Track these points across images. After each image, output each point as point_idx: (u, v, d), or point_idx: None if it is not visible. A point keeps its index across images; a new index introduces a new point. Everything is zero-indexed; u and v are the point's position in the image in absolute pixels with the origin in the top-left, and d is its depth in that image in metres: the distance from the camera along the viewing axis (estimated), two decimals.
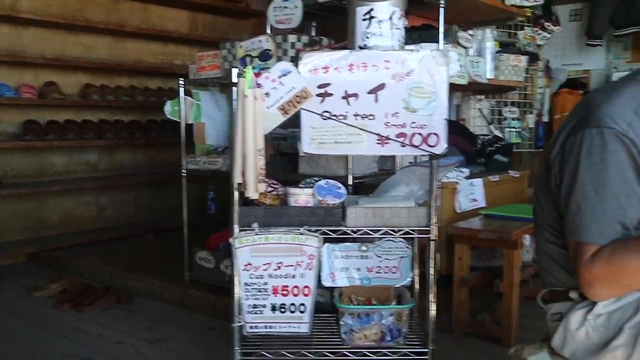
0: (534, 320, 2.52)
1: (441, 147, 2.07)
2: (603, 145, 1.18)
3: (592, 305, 1.29)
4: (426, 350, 2.23)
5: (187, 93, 3.30)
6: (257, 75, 2.01)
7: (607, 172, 1.18)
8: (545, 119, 4.62)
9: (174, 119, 3.32)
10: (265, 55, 2.46)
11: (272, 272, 2.18)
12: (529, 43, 4.30)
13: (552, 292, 1.43)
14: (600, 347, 1.26)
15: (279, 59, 2.48)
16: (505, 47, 3.87)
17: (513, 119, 4.38)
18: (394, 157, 2.99)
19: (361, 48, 2.14)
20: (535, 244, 1.47)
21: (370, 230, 2.16)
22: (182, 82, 3.24)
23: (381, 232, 2.16)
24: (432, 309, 2.22)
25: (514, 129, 4.39)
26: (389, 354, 2.22)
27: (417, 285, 2.52)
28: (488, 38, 3.46)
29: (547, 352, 1.41)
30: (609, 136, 1.18)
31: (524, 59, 3.70)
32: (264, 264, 2.17)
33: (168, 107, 3.33)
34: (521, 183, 3.69)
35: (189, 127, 3.34)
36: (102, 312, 3.22)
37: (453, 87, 3.28)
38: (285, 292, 2.20)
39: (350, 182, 2.60)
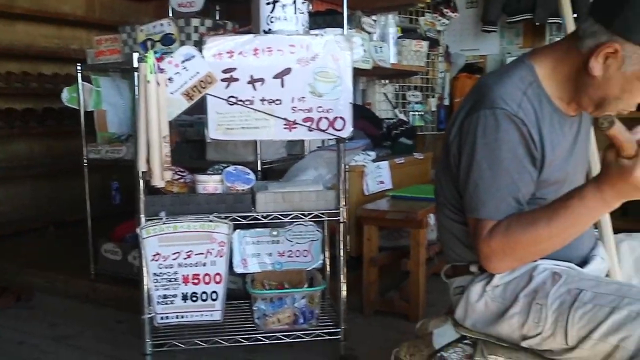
0: (440, 295, 2.64)
1: (347, 130, 2.11)
2: (496, 125, 1.25)
3: (490, 278, 1.36)
4: (338, 330, 2.28)
5: (86, 79, 3.15)
6: (159, 59, 1.95)
7: (500, 151, 1.25)
8: (447, 102, 4.80)
9: (73, 106, 3.16)
10: (167, 40, 2.39)
11: (182, 261, 2.15)
12: (430, 29, 4.45)
13: (454, 267, 1.50)
14: (498, 316, 1.34)
15: (182, 44, 2.41)
16: (407, 32, 3.97)
17: (416, 103, 4.53)
18: (302, 141, 3.01)
19: (266, 32, 2.13)
20: (437, 222, 1.53)
21: (281, 214, 2.17)
22: (79, 68, 3.08)
23: (291, 216, 2.18)
24: (343, 290, 2.27)
25: (418, 113, 4.53)
26: (303, 336, 2.26)
27: (328, 268, 2.57)
28: (391, 24, 3.53)
29: (450, 324, 1.48)
30: (501, 117, 1.25)
31: (425, 44, 3.82)
32: (173, 254, 2.13)
33: (65, 94, 3.17)
34: (425, 164, 3.82)
35: (89, 114, 3.19)
36: (0, 312, 3.04)
37: (358, 72, 3.34)
38: (196, 281, 2.18)
39: (259, 167, 2.60)
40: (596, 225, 1.57)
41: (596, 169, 1.61)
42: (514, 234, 1.22)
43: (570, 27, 1.60)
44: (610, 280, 1.39)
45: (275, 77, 2.05)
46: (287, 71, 2.05)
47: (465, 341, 1.42)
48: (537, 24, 4.48)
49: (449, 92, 4.79)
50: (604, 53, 1.20)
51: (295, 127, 2.09)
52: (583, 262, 1.43)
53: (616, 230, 1.63)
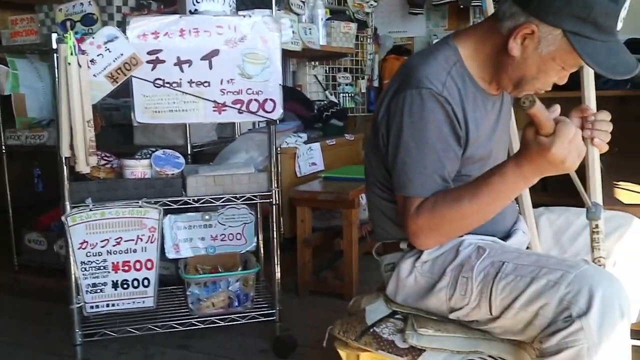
0: (372, 273, 2.69)
1: (278, 112, 2.11)
2: (422, 104, 1.28)
3: (420, 254, 1.41)
4: (273, 311, 2.29)
5: (2, 61, 2.99)
6: (79, 40, 1.88)
7: (426, 129, 1.29)
8: (376, 84, 4.85)
9: None
10: (88, 20, 2.29)
11: (111, 248, 2.10)
12: (358, 11, 4.47)
13: (384, 244, 1.54)
14: (427, 291, 1.39)
15: (104, 24, 2.32)
16: (336, 14, 3.98)
17: (346, 85, 4.56)
18: (233, 124, 2.98)
19: (192, 13, 2.08)
20: (367, 201, 1.56)
21: (212, 198, 2.15)
22: None
23: (223, 199, 2.16)
24: (277, 272, 2.28)
25: (348, 94, 4.57)
26: (238, 319, 2.26)
27: (262, 250, 2.57)
28: (319, 5, 3.53)
29: (382, 300, 1.52)
30: (426, 96, 1.28)
31: (353, 26, 3.84)
32: (102, 241, 2.08)
33: None
34: (356, 145, 3.87)
35: (7, 98, 3.04)
36: None
37: (287, 54, 3.33)
38: (126, 268, 2.13)
39: (189, 151, 2.55)
40: (518, 201, 1.64)
41: (517, 146, 1.68)
42: (440, 211, 1.26)
43: (491, 9, 1.65)
44: (530, 252, 1.46)
45: (203, 58, 2.01)
46: (215, 53, 2.02)
47: (397, 316, 1.47)
48: (461, 6, 4.59)
49: (378, 73, 4.85)
50: (522, 34, 1.25)
51: (224, 110, 2.06)
52: (506, 236, 1.50)
53: (536, 205, 1.72)
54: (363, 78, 4.68)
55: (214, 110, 2.06)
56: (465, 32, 1.40)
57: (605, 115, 1.33)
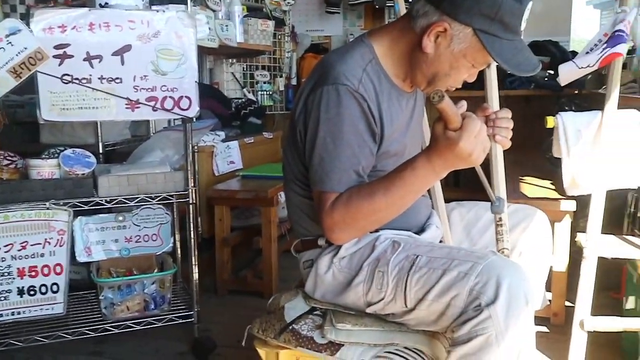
0: (292, 271, 2.71)
1: (194, 110, 2.07)
2: (338, 100, 1.29)
3: (337, 250, 1.42)
4: (191, 313, 2.25)
5: None
6: None
7: (342, 125, 1.30)
8: (294, 82, 4.86)
9: None
10: None
11: (16, 252, 1.99)
12: (275, 8, 4.46)
13: (303, 241, 1.54)
14: (345, 286, 1.40)
15: (6, 16, 2.20)
16: (253, 11, 3.95)
17: (264, 83, 4.54)
18: (147, 122, 2.90)
19: (102, 6, 2.01)
20: (286, 198, 1.56)
21: (126, 198, 2.08)
22: None
23: (138, 199, 2.10)
24: (195, 272, 2.24)
25: (266, 92, 4.55)
26: (154, 322, 2.20)
27: (179, 251, 2.52)
28: (236, 2, 3.49)
29: (301, 297, 1.53)
30: (343, 92, 1.29)
31: (271, 24, 3.83)
32: (5, 245, 1.97)
33: None
34: (275, 144, 3.86)
35: None
36: None
37: (204, 51, 3.28)
38: (33, 273, 2.03)
39: (100, 150, 2.46)
40: (431, 196, 1.70)
41: (427, 142, 1.73)
42: (354, 205, 1.28)
43: (403, 12, 1.70)
44: (443, 245, 1.51)
45: (114, 54, 1.95)
46: (127, 48, 1.95)
47: (316, 312, 1.48)
48: (377, 6, 4.68)
49: (296, 71, 4.85)
50: (435, 32, 1.29)
51: (138, 107, 2.00)
52: (420, 231, 1.54)
53: (449, 200, 1.78)
54: (281, 76, 4.67)
55: (127, 108, 1.99)
56: (380, 31, 1.43)
57: (506, 113, 1.39)
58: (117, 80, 1.96)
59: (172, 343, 2.35)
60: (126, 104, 1.98)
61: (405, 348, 1.35)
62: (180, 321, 2.24)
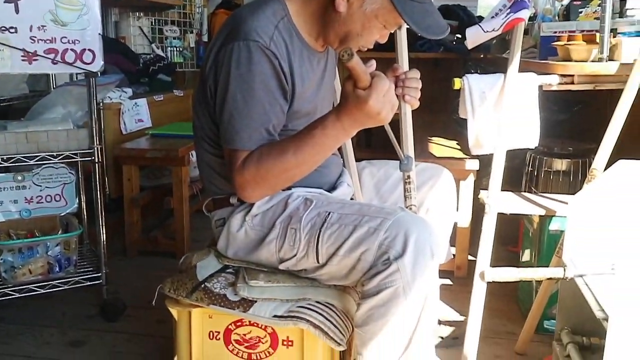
0: (204, 231, 2.68)
1: (98, 64, 1.97)
2: (249, 57, 1.27)
3: (250, 208, 1.42)
4: (99, 275, 2.19)
5: None
6: None
7: (253, 82, 1.28)
8: (205, 38, 4.73)
9: None
10: None
11: None
12: None
13: (214, 200, 1.53)
14: (258, 244, 1.41)
15: None
16: None
17: (174, 39, 4.39)
18: (47, 76, 2.73)
19: None
20: (197, 157, 1.53)
21: (25, 157, 1.97)
22: None
23: (38, 158, 1.99)
24: (103, 233, 2.17)
25: (176, 49, 4.40)
26: (60, 285, 2.12)
27: (85, 211, 2.43)
28: None
29: (213, 256, 1.52)
30: (254, 48, 1.27)
31: None
32: None
33: None
34: (186, 102, 3.76)
35: None
36: None
37: (108, 2, 3.11)
38: None
39: None
40: (342, 155, 1.72)
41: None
42: (265, 163, 1.27)
43: None
44: (354, 202, 1.55)
45: (7, 1, 1.80)
46: None
47: (228, 270, 1.48)
48: None
49: (207, 28, 4.72)
50: None
51: (36, 59, 1.87)
52: (332, 188, 1.56)
53: (361, 159, 1.82)
54: (192, 32, 4.53)
55: (23, 60, 1.87)
56: None
57: (415, 73, 1.42)
58: (12, 30, 1.83)
59: (80, 306, 2.28)
60: (22, 56, 1.85)
61: (317, 302, 1.38)
62: (88, 283, 2.17)
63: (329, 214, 1.34)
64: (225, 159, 1.34)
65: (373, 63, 1.24)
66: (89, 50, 1.93)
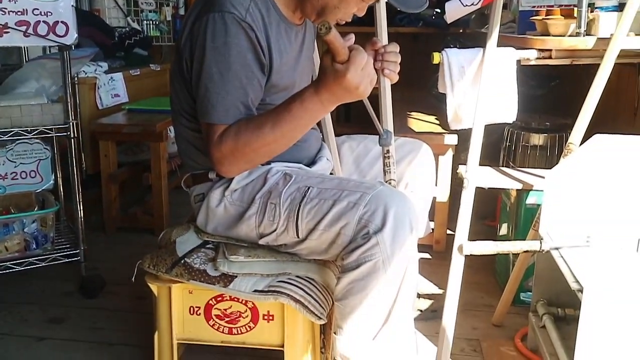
0: (183, 207, 2.66)
1: (72, 37, 1.93)
2: (225, 29, 1.25)
3: (229, 183, 1.41)
4: (77, 251, 2.17)
5: None
6: None
7: (229, 55, 1.26)
8: (182, 12, 4.65)
9: None
10: None
11: None
12: None
13: (193, 175, 1.51)
14: (237, 219, 1.40)
15: None
16: None
17: (150, 12, 4.31)
18: (19, 49, 2.67)
19: None
20: (174, 132, 1.51)
21: None
22: None
23: (12, 133, 1.95)
24: (80, 209, 2.15)
25: (152, 22, 4.32)
26: (37, 262, 2.10)
27: (62, 188, 2.40)
28: None
29: (193, 231, 1.51)
30: (230, 21, 1.25)
31: None
32: None
33: None
34: (163, 76, 3.70)
35: None
36: None
37: None
38: None
39: None
40: (322, 130, 1.71)
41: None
42: (243, 138, 1.26)
43: None
44: (333, 176, 1.54)
45: None
46: None
47: (208, 246, 1.48)
48: None
49: (184, 1, 4.64)
50: None
51: (7, 32, 1.82)
52: (311, 163, 1.56)
53: (340, 134, 1.81)
54: (168, 5, 4.45)
55: None
56: None
57: (394, 47, 1.41)
58: None
59: (59, 283, 2.26)
60: None
61: (298, 277, 1.39)
62: (66, 260, 2.15)
63: (308, 188, 1.34)
64: (203, 133, 1.32)
65: (352, 37, 1.22)
66: (62, 22, 1.89)
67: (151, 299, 1.53)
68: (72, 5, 1.90)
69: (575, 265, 1.31)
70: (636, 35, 1.75)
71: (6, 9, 1.81)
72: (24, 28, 1.84)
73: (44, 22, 1.86)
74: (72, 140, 2.07)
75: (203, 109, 1.29)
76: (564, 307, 1.58)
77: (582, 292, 1.19)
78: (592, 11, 1.83)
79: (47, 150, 2.23)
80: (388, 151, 1.58)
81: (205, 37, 1.25)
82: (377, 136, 1.53)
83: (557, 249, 1.41)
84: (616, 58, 1.66)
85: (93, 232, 2.70)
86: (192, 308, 1.48)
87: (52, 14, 1.87)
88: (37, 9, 1.84)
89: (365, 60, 1.17)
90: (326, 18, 1.34)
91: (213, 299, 1.46)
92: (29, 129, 1.97)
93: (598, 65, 1.68)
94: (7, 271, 2.05)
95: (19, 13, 1.82)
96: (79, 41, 2.00)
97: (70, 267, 2.22)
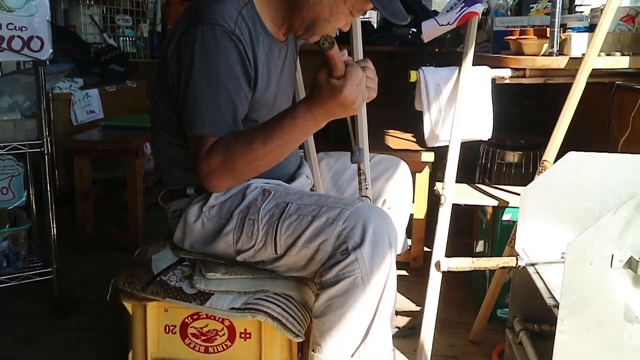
0: (160, 224, 2.63)
1: (47, 52, 1.91)
2: (214, 41, 1.24)
3: (207, 199, 1.40)
4: (49, 269, 2.12)
5: None
6: None
7: (218, 67, 1.25)
8: (159, 28, 4.64)
9: None
10: None
11: None
12: None
13: (170, 191, 1.49)
14: (215, 235, 1.39)
15: None
16: None
17: (127, 28, 4.29)
18: None
19: None
20: (153, 147, 1.50)
21: None
22: None
23: None
24: (53, 227, 2.11)
25: (129, 38, 4.31)
26: (7, 280, 2.05)
27: (34, 205, 2.35)
28: None
29: (169, 249, 1.49)
30: (219, 33, 1.24)
31: None
32: None
33: None
34: (139, 93, 3.69)
35: None
36: None
37: None
38: None
39: None
40: (303, 147, 1.72)
41: (301, 94, 1.74)
42: (232, 152, 1.25)
43: None
44: (312, 193, 1.54)
45: None
46: None
47: (184, 263, 1.46)
48: None
49: (161, 17, 4.63)
50: None
51: None
52: (290, 180, 1.55)
53: (317, 151, 1.81)
54: (145, 22, 4.44)
55: None
56: None
57: (369, 63, 1.41)
58: None
59: (30, 303, 2.21)
60: None
61: (275, 294, 1.38)
62: (38, 279, 2.10)
63: (287, 204, 1.33)
64: (190, 146, 1.30)
65: (345, 52, 1.22)
66: (37, 37, 1.87)
67: (126, 318, 1.50)
68: (48, 20, 1.88)
69: (550, 281, 1.32)
70: (607, 55, 1.79)
71: None
72: None
73: (18, 36, 1.84)
74: (46, 156, 2.03)
75: (190, 121, 1.28)
76: (540, 323, 1.59)
77: (557, 308, 1.20)
78: (564, 31, 1.87)
79: (19, 167, 2.19)
80: (360, 168, 1.59)
81: (194, 49, 1.24)
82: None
83: (532, 265, 1.42)
84: (588, 77, 1.70)
85: (66, 250, 2.65)
86: (167, 327, 1.45)
87: (27, 28, 1.85)
88: (12, 24, 1.82)
89: (360, 75, 1.17)
90: (315, 32, 1.34)
91: (189, 317, 1.44)
92: (1, 144, 1.93)
93: (571, 84, 1.72)
94: None
95: None
96: (54, 56, 1.97)
97: (43, 286, 2.17)
